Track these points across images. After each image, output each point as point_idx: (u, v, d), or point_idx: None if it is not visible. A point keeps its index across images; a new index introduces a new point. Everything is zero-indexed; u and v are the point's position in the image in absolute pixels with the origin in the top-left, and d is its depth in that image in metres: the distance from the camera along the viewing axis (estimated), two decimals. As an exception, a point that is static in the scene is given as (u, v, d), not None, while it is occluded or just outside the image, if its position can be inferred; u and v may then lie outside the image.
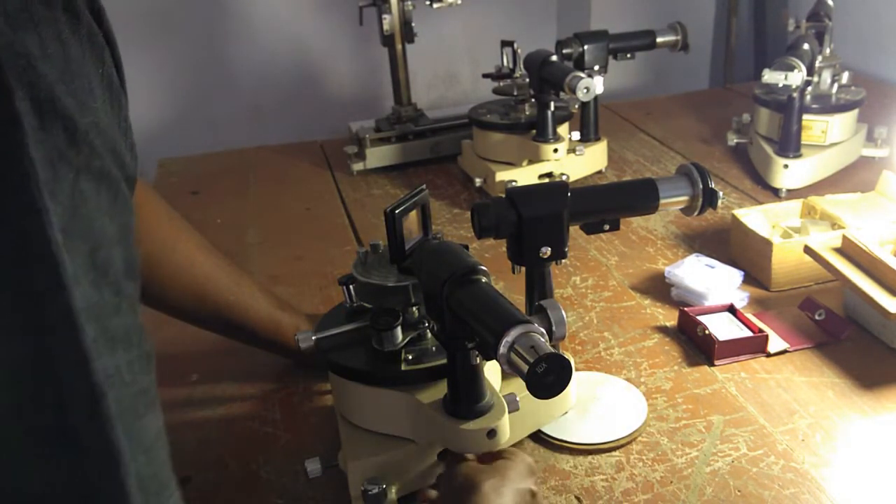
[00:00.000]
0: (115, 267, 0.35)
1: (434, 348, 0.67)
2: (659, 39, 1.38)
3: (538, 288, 0.75)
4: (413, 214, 0.68)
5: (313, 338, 0.69)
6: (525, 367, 0.50)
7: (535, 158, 1.26)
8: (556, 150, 1.24)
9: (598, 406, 0.80)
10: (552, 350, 0.50)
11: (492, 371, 0.69)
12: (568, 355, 0.59)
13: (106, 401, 0.33)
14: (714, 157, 1.41)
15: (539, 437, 0.76)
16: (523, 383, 0.50)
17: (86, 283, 0.33)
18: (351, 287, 0.72)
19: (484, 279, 0.59)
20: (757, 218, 1.03)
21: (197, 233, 0.82)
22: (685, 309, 0.91)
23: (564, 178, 1.27)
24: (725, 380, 0.83)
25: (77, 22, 0.36)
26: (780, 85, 1.15)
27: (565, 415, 0.78)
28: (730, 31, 2.09)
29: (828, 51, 1.27)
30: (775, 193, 1.24)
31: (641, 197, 0.77)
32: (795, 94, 1.19)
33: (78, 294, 0.32)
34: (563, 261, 0.75)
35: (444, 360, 0.63)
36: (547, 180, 1.27)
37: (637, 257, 1.09)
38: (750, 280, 0.99)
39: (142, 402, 0.35)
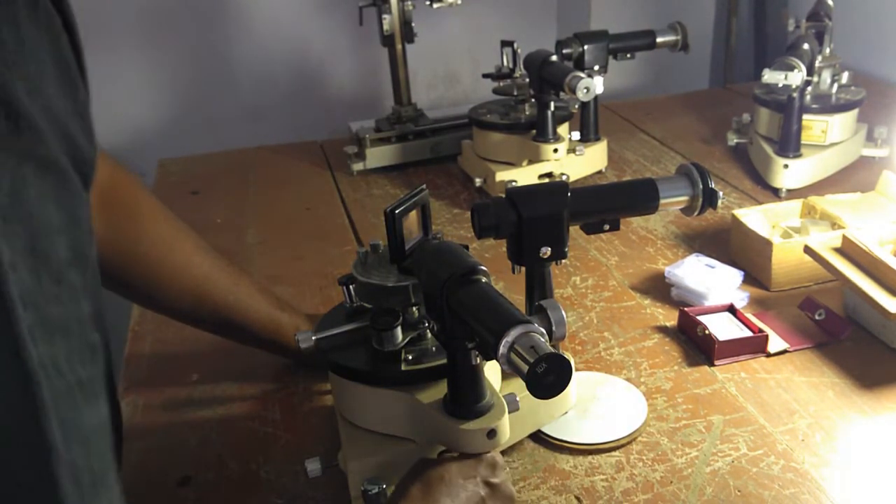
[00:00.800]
0: (57, 255, 0.35)
1: (434, 348, 0.67)
2: (659, 39, 1.38)
3: (538, 288, 0.75)
4: (413, 214, 0.68)
5: (313, 338, 0.69)
6: (525, 367, 0.50)
7: (535, 158, 1.26)
8: (556, 150, 1.24)
9: (598, 406, 0.80)
10: (552, 350, 0.50)
11: (492, 371, 0.69)
12: (568, 355, 0.59)
13: (40, 389, 0.32)
14: (714, 157, 1.41)
15: (539, 437, 0.76)
16: (523, 383, 0.50)
17: (24, 270, 0.32)
18: (351, 287, 0.72)
19: (484, 279, 0.59)
20: (757, 218, 1.03)
21: (194, 233, 0.82)
22: (685, 309, 0.91)
23: (564, 178, 1.27)
24: (725, 380, 0.83)
25: (34, 6, 0.36)
26: (780, 85, 1.15)
27: (565, 415, 0.78)
28: (730, 31, 2.09)
29: (828, 51, 1.27)
30: (775, 193, 1.23)
31: (641, 197, 0.76)
32: (795, 94, 1.19)
33: (14, 279, 0.32)
34: (564, 261, 0.75)
35: (444, 360, 0.63)
36: (547, 180, 1.27)
37: (637, 257, 1.09)
38: (750, 280, 0.99)
39: (80, 394, 0.35)
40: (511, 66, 1.30)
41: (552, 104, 1.22)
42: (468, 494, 0.59)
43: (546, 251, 0.72)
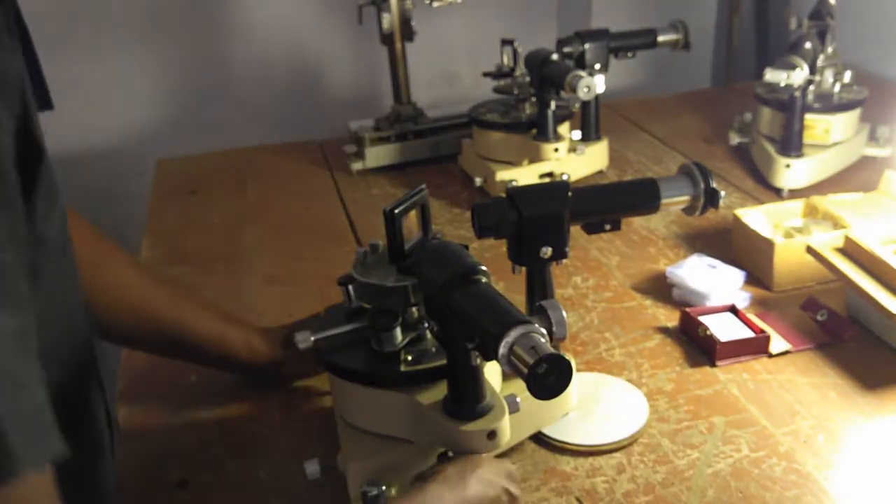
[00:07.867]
0: None
1: (434, 349, 0.67)
2: (660, 38, 1.37)
3: (538, 288, 0.75)
4: (413, 214, 0.68)
5: (312, 339, 0.69)
6: (525, 368, 0.50)
7: (535, 158, 1.25)
8: (556, 150, 1.24)
9: (599, 407, 0.79)
10: (553, 351, 0.50)
11: (492, 372, 0.69)
12: (569, 356, 0.58)
13: None
14: (716, 156, 1.41)
15: (540, 439, 0.76)
16: (524, 384, 0.50)
17: None
18: (350, 287, 0.71)
19: (484, 279, 0.58)
20: (759, 218, 1.03)
21: (127, 253, 0.79)
22: (687, 309, 0.91)
23: (565, 177, 1.26)
24: (727, 381, 0.83)
25: None
26: (782, 84, 1.15)
27: (566, 416, 0.78)
28: (731, 30, 2.09)
29: (830, 50, 1.27)
30: (777, 193, 1.23)
31: (643, 197, 0.76)
32: (797, 94, 1.18)
33: None
34: (564, 261, 0.74)
35: (444, 361, 0.63)
36: (547, 180, 1.26)
37: (638, 257, 1.09)
38: (752, 280, 0.99)
39: None
40: (511, 64, 1.30)
41: (553, 103, 1.22)
42: (496, 492, 0.60)
43: (547, 251, 0.72)
